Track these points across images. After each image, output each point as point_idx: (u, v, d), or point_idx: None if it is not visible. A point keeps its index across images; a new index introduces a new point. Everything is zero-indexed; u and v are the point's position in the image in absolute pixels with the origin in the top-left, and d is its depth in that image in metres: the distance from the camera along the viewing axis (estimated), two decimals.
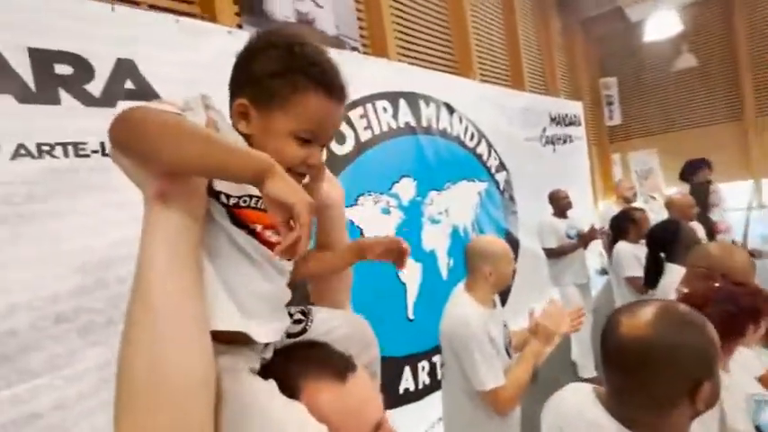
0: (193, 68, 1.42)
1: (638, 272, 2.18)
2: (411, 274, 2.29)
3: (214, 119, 0.50)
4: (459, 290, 1.47)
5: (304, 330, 0.58)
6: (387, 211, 2.19)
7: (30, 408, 1.02)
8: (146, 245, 0.46)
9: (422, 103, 2.51)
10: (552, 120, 4.11)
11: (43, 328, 1.05)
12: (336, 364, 0.51)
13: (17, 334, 1.01)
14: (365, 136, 2.11)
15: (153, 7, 1.60)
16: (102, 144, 1.19)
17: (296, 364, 0.51)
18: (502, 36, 4.72)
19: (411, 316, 2.26)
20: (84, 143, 1.16)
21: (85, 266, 1.13)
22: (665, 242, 1.85)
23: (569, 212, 3.03)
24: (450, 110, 2.74)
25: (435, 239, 2.49)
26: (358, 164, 2.04)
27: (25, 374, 1.02)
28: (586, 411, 0.75)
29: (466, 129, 2.87)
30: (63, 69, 1.15)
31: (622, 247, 2.35)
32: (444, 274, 2.53)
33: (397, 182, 2.27)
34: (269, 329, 0.51)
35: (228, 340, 0.47)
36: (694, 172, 3.40)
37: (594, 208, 5.42)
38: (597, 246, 3.55)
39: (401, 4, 3.01)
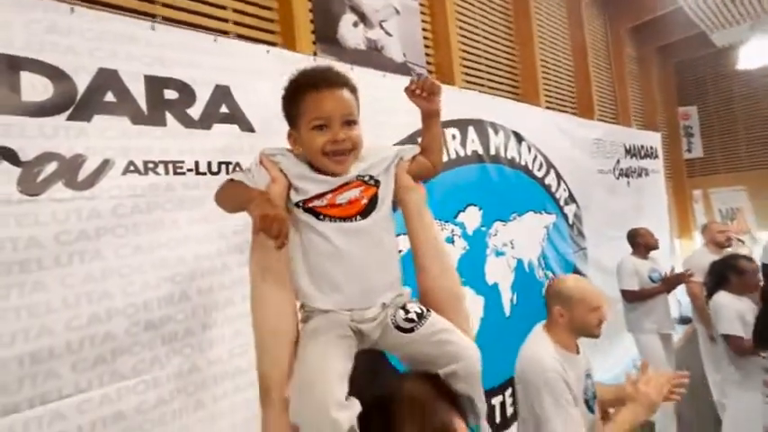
0: (279, 93, 1.50)
1: (740, 331, 1.91)
2: (473, 308, 2.20)
3: (278, 162, 0.73)
4: (537, 329, 1.38)
5: (412, 330, 0.67)
6: (451, 240, 2.13)
7: (116, 408, 1.07)
8: (250, 255, 0.75)
9: (490, 131, 2.46)
10: (627, 151, 3.86)
11: (135, 334, 1.12)
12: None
13: (115, 338, 1.08)
14: None
15: (240, 37, 1.73)
16: (197, 163, 1.28)
17: (408, 411, 0.57)
18: (570, 63, 4.57)
19: None
20: (181, 162, 1.25)
21: (174, 277, 1.20)
22: None
23: (651, 253, 2.77)
24: (519, 138, 2.66)
25: (499, 273, 2.38)
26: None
27: (116, 376, 1.08)
28: None
29: (534, 158, 2.77)
30: (171, 95, 1.26)
31: (723, 299, 2.05)
32: (507, 310, 2.40)
33: (463, 210, 2.22)
34: (339, 300, 0.68)
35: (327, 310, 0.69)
36: None
37: (671, 248, 4.96)
38: (677, 293, 3.20)
39: (468, 31, 3.02)
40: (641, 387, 1.16)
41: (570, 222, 3.03)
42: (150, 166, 1.19)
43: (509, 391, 2.25)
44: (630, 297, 2.71)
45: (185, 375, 1.20)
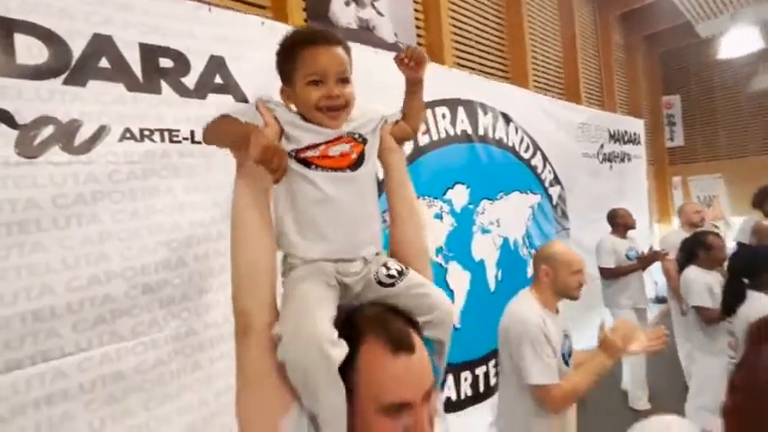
0: (273, 65, 1.52)
1: (708, 302, 2.04)
2: (460, 282, 2.28)
3: (273, 109, 0.72)
4: (523, 291, 1.48)
5: (393, 285, 0.70)
6: (439, 217, 2.19)
7: (116, 367, 1.11)
8: (233, 193, 0.71)
9: (479, 112, 2.51)
10: (611, 136, 3.96)
11: (133, 297, 1.15)
12: (399, 339, 0.60)
13: (114, 300, 1.11)
14: (423, 141, 2.14)
15: (230, 9, 1.71)
16: (192, 132, 1.29)
17: (370, 319, 0.63)
18: (558, 48, 4.62)
19: (457, 324, 2.24)
20: (177, 130, 1.26)
21: (171, 243, 1.22)
22: (752, 268, 1.72)
23: (630, 233, 2.89)
24: (507, 119, 2.71)
25: (485, 250, 2.46)
26: (414, 167, 2.06)
27: (115, 337, 1.12)
28: None
29: (521, 139, 2.84)
30: (166, 63, 1.26)
31: (693, 273, 2.19)
32: (492, 285, 2.49)
33: (451, 188, 2.28)
34: (325, 249, 0.69)
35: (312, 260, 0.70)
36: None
37: (650, 231, 5.13)
38: (653, 273, 3.35)
39: (459, 13, 3.04)
40: (609, 335, 1.25)
41: (554, 203, 3.12)
42: (146, 133, 1.21)
43: (492, 362, 2.36)
44: (607, 274, 2.84)
45: (183, 338, 1.24)
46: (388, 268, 0.71)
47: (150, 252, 1.19)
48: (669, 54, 8.35)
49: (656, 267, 3.02)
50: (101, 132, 1.13)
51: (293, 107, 0.75)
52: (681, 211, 3.14)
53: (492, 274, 2.50)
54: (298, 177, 0.70)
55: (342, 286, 0.70)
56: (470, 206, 2.39)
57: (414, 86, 0.81)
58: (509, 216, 2.66)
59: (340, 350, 0.58)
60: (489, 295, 2.44)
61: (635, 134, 4.41)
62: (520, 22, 3.60)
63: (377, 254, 0.74)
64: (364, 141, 0.75)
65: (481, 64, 3.24)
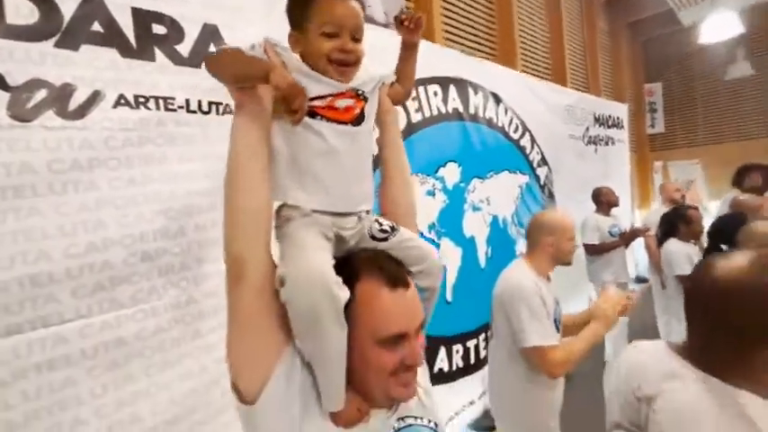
0: (264, 34, 1.50)
1: (689, 271, 2.13)
2: (451, 257, 2.32)
3: (280, 53, 0.69)
4: (517, 260, 1.52)
5: (386, 239, 0.72)
6: (432, 194, 2.22)
7: (116, 334, 1.12)
8: (231, 134, 0.66)
9: (470, 91, 2.53)
10: (596, 120, 4.03)
11: (132, 264, 1.15)
12: (395, 276, 0.64)
13: (113, 267, 1.11)
14: (416, 118, 2.15)
15: None
16: (188, 101, 1.28)
17: (366, 260, 0.67)
18: (546, 31, 4.66)
19: (449, 298, 2.29)
20: (172, 98, 1.25)
21: (169, 212, 1.22)
22: (731, 235, 1.80)
23: (613, 211, 2.99)
24: (497, 99, 2.74)
25: (476, 226, 2.51)
26: (408, 144, 2.08)
27: (115, 304, 1.12)
28: (663, 364, 0.76)
29: (511, 120, 2.87)
30: (159, 30, 1.24)
31: (673, 245, 2.30)
32: (483, 262, 2.54)
33: (443, 166, 2.31)
34: (324, 201, 0.69)
35: (310, 211, 0.69)
36: (747, 175, 3.19)
37: (632, 213, 5.28)
38: (634, 251, 3.47)
39: None
40: (600, 304, 1.31)
41: (542, 183, 3.18)
42: (141, 100, 1.19)
43: (483, 336, 2.43)
44: (591, 250, 2.94)
45: (182, 306, 1.25)
46: (380, 224, 0.74)
47: (148, 220, 1.18)
48: (651, 42, 8.49)
49: (637, 246, 3.13)
50: (95, 98, 1.11)
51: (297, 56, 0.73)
52: (662, 189, 3.26)
53: (483, 250, 2.55)
54: (301, 127, 0.68)
55: (337, 239, 0.71)
56: (462, 184, 2.42)
57: (409, 51, 0.84)
58: (499, 195, 2.71)
59: (344, 292, 0.60)
60: (480, 271, 2.50)
61: (618, 118, 4.50)
62: (509, 3, 3.61)
63: (367, 211, 0.76)
64: (365, 99, 0.76)
65: (471, 42, 3.25)
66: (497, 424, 1.56)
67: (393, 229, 0.74)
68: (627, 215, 4.46)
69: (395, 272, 0.65)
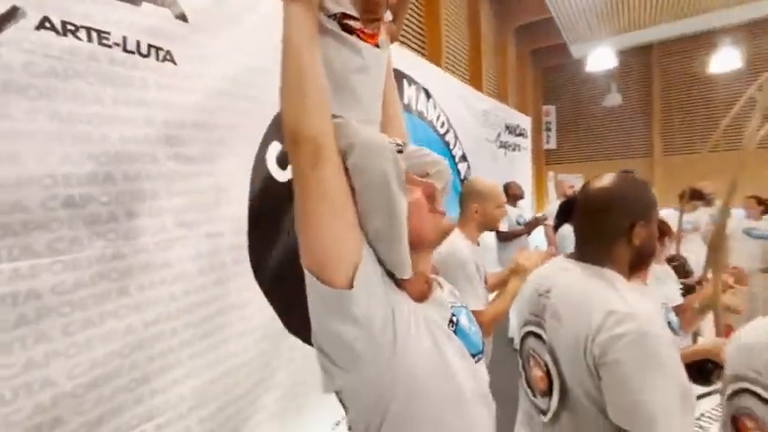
0: None
1: None
2: None
3: None
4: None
5: (401, 151, 0.80)
6: None
7: (29, 285, 0.98)
8: (290, 22, 0.67)
9: (405, 82, 2.67)
10: (507, 127, 4.50)
11: (52, 209, 1.02)
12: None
13: (26, 209, 0.97)
14: None
15: None
16: (125, 38, 1.18)
17: None
18: (467, 42, 5.08)
19: None
20: (107, 32, 1.14)
21: (99, 157, 1.11)
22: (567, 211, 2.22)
23: (519, 203, 3.39)
24: (428, 95, 2.93)
25: None
26: None
27: (28, 252, 0.98)
28: (557, 265, 1.08)
29: (439, 116, 3.09)
30: None
31: (566, 229, 2.70)
32: None
33: None
34: (357, 115, 0.74)
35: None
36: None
37: (533, 210, 5.99)
38: (533, 240, 3.96)
39: None
40: (520, 260, 1.52)
41: (462, 178, 3.47)
42: (70, 28, 1.06)
43: None
44: (502, 237, 3.33)
45: (108, 260, 1.13)
46: (393, 139, 0.81)
47: (74, 162, 1.06)
48: (550, 69, 9.74)
49: (538, 233, 3.60)
50: (13, 14, 0.97)
51: None
52: (557, 186, 3.82)
53: None
54: (337, 41, 0.73)
55: None
56: None
57: None
58: None
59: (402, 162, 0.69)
60: None
61: (524, 129, 5.08)
62: (437, 7, 3.88)
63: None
64: (379, 32, 0.83)
65: (403, 37, 3.42)
66: None
67: (404, 143, 0.83)
68: (529, 214, 5.05)
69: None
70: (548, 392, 0.97)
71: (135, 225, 1.20)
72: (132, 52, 1.20)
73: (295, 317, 1.66)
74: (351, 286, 0.62)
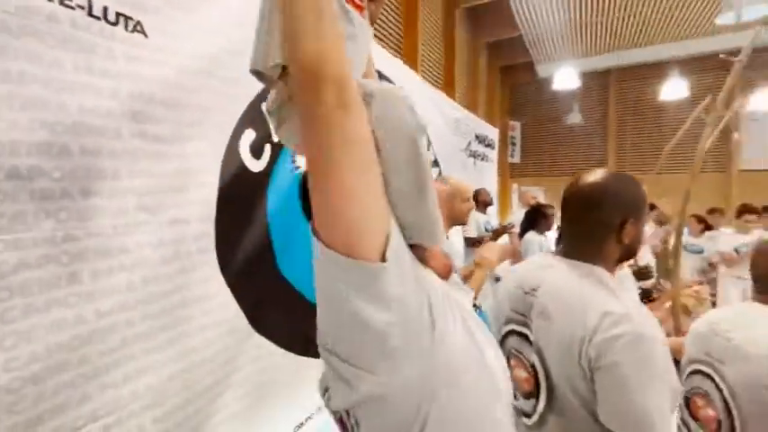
0: None
1: None
2: None
3: None
4: None
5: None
6: None
7: None
8: None
9: (384, 82, 2.67)
10: (476, 137, 4.61)
11: None
12: None
13: None
14: None
15: None
16: (90, 2, 1.08)
17: None
18: (441, 52, 5.19)
19: None
20: None
21: (55, 126, 1.00)
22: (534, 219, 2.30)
23: (488, 210, 3.48)
24: None
25: None
26: None
27: None
28: (543, 261, 1.04)
29: None
30: None
31: (531, 236, 2.84)
32: None
33: None
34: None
35: None
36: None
37: (498, 218, 6.16)
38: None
39: None
40: (484, 252, 1.56)
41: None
42: None
43: None
44: (470, 242, 3.39)
45: (58, 243, 1.02)
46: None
47: (23, 129, 0.95)
48: (517, 86, 10.15)
49: (504, 242, 3.71)
50: None
51: None
52: (520, 197, 3.97)
53: None
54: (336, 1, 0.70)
55: None
56: None
57: None
58: None
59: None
60: None
61: (492, 139, 5.23)
62: (415, 9, 3.94)
63: None
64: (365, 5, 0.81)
65: (380, 41, 3.43)
66: None
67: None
68: (495, 222, 5.18)
69: None
70: (533, 394, 0.94)
71: (91, 205, 1.09)
72: (98, 18, 1.10)
73: (261, 314, 1.58)
74: (384, 259, 0.53)
